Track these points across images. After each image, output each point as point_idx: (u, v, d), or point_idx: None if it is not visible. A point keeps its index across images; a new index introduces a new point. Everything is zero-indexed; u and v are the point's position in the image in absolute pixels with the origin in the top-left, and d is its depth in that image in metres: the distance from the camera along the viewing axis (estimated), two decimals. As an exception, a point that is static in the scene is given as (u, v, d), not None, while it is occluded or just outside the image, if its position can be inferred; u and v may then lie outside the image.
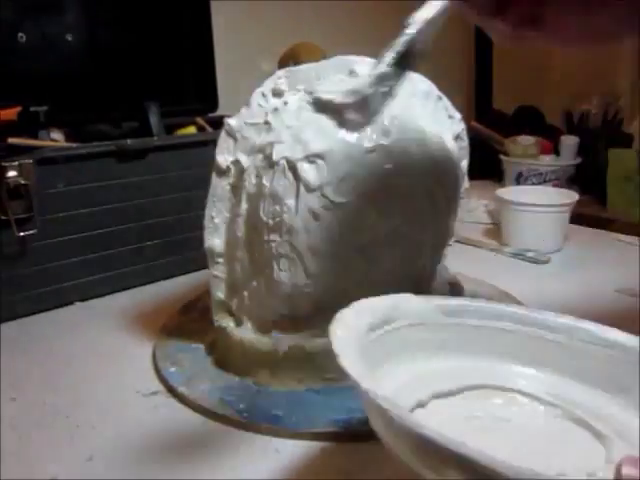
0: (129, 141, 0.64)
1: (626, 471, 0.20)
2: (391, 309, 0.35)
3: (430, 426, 0.21)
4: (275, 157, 0.44)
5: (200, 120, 0.82)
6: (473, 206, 0.92)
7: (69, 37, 0.78)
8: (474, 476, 0.20)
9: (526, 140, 1.07)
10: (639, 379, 0.32)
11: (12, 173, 0.56)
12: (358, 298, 0.44)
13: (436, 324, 0.37)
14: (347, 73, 0.46)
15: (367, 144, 0.43)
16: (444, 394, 0.34)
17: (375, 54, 0.47)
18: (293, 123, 0.44)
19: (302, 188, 0.43)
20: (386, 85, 0.40)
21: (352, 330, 0.31)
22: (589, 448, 0.31)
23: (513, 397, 0.35)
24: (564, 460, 0.30)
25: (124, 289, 0.67)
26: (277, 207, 0.43)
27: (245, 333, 0.46)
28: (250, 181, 0.45)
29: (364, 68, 0.46)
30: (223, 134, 0.47)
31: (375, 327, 0.34)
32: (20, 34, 0.73)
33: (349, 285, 0.44)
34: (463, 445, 0.20)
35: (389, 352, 0.34)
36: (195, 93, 0.91)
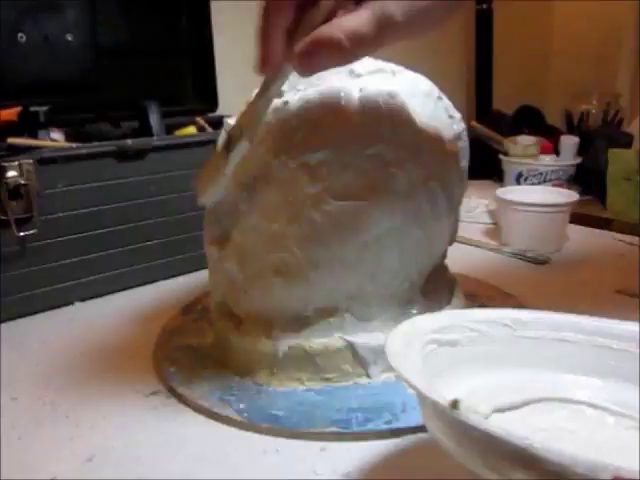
0: (129, 141, 0.64)
1: None
2: (447, 322, 0.35)
3: (495, 424, 0.21)
4: (275, 157, 0.43)
5: (200, 120, 0.82)
6: (473, 206, 0.92)
7: (69, 37, 0.78)
8: (542, 476, 0.20)
9: (526, 140, 1.07)
10: None
11: (12, 173, 0.56)
12: (358, 298, 0.45)
13: (494, 337, 0.36)
14: (347, 73, 0.46)
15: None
16: (506, 408, 0.33)
17: (375, 54, 0.47)
18: (293, 123, 0.44)
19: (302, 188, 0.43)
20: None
21: (409, 343, 0.31)
22: None
23: (579, 409, 0.34)
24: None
25: (124, 289, 0.67)
26: (277, 207, 0.43)
27: (245, 333, 0.46)
28: (250, 181, 0.45)
29: (364, 68, 0.46)
30: (223, 134, 0.47)
31: (431, 341, 0.33)
32: (20, 34, 0.73)
33: (349, 285, 0.44)
34: (530, 442, 0.20)
35: (446, 366, 0.34)
36: (195, 93, 0.91)
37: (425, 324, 0.35)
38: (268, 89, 0.39)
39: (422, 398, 0.26)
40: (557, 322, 0.36)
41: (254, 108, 0.40)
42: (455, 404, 0.23)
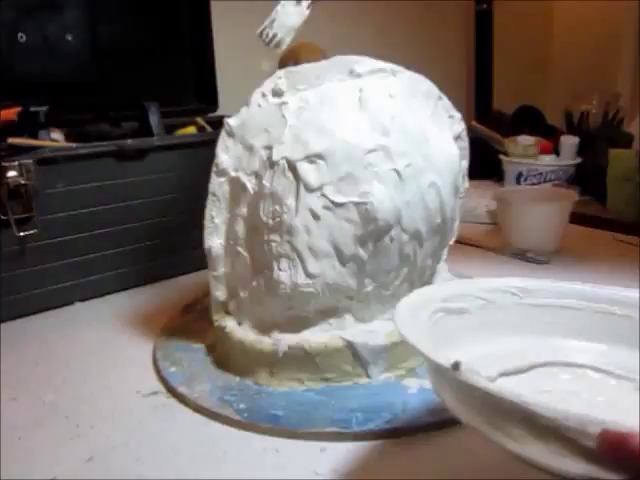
0: (129, 141, 0.64)
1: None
2: (456, 291, 0.36)
3: (497, 384, 0.22)
4: (275, 157, 0.44)
5: (200, 120, 0.82)
6: (473, 206, 0.92)
7: (69, 37, 0.78)
8: (536, 430, 0.21)
9: (526, 140, 1.07)
10: None
11: (12, 173, 0.56)
12: (358, 298, 0.45)
13: (501, 305, 0.37)
14: (347, 73, 0.46)
15: (367, 144, 0.43)
16: (511, 372, 0.34)
17: (375, 54, 0.47)
18: (293, 123, 0.44)
19: (302, 188, 0.43)
20: None
21: (417, 311, 0.32)
22: None
23: (583, 372, 0.35)
24: None
25: (124, 289, 0.67)
26: (277, 207, 0.43)
27: (245, 333, 0.46)
28: (250, 181, 0.45)
29: (364, 68, 0.46)
30: (223, 134, 0.47)
31: (440, 309, 0.34)
32: (20, 34, 0.73)
33: (349, 285, 0.44)
34: (524, 399, 0.21)
35: (454, 333, 0.35)
36: (195, 93, 0.91)
37: (434, 293, 0.36)
38: None
39: (428, 361, 0.27)
40: (562, 290, 0.38)
41: None
42: (456, 366, 0.24)
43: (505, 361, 0.35)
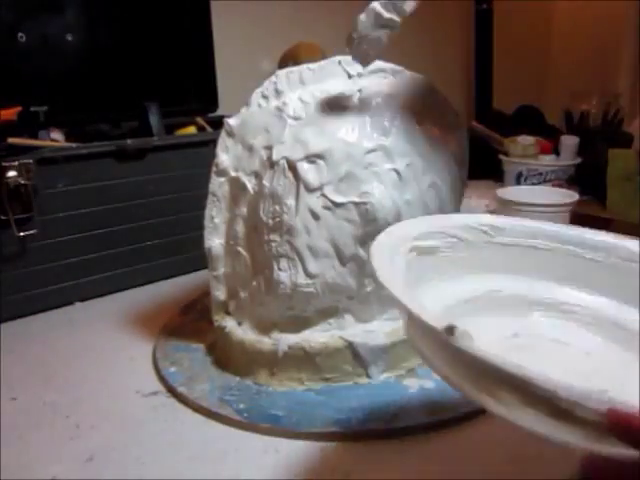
0: (129, 141, 0.64)
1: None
2: (426, 228, 0.36)
3: (485, 349, 0.21)
4: (275, 157, 0.44)
5: (200, 120, 0.82)
6: (473, 206, 0.92)
7: (69, 37, 0.78)
8: (534, 400, 0.20)
9: (526, 140, 1.07)
10: None
11: (12, 173, 0.56)
12: (358, 298, 0.45)
13: (472, 243, 0.37)
14: (347, 73, 0.46)
15: (367, 144, 0.43)
16: (484, 313, 0.34)
17: (375, 54, 0.47)
18: (293, 123, 0.44)
19: (302, 188, 0.43)
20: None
21: (393, 255, 0.31)
22: (630, 367, 0.31)
23: (553, 314, 0.35)
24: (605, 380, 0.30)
25: (124, 289, 0.67)
26: (277, 207, 0.43)
27: (245, 333, 0.46)
28: (250, 181, 0.45)
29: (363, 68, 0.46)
30: (223, 134, 0.47)
31: (413, 249, 0.34)
32: (20, 34, 0.73)
33: (349, 285, 0.44)
34: (526, 371, 0.20)
35: (427, 273, 0.34)
36: (195, 93, 0.91)
37: (405, 231, 0.35)
38: None
39: (413, 319, 0.25)
40: (533, 230, 0.37)
41: None
42: (451, 330, 0.23)
43: (477, 301, 0.35)
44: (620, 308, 0.34)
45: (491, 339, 0.31)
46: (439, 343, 0.24)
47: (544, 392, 0.20)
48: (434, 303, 0.33)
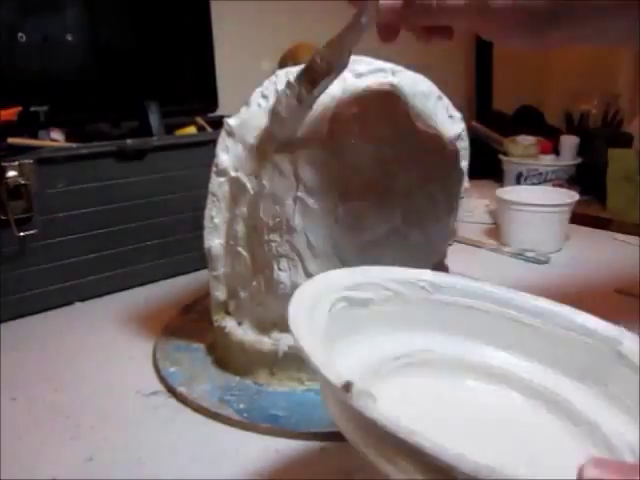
0: (129, 141, 0.64)
1: (590, 474, 0.19)
2: (362, 279, 0.34)
3: (386, 414, 0.20)
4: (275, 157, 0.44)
5: (200, 120, 0.82)
6: (473, 206, 0.92)
7: (69, 37, 0.78)
8: (430, 470, 0.19)
9: (526, 140, 1.07)
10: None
11: (12, 173, 0.56)
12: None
13: (408, 298, 0.36)
14: (347, 73, 0.46)
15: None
16: (415, 367, 0.34)
17: (374, 54, 0.47)
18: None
19: (302, 188, 0.43)
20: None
21: (317, 302, 0.30)
22: (561, 439, 0.30)
23: (481, 378, 0.35)
24: (536, 450, 0.29)
25: (124, 289, 0.67)
26: (277, 207, 0.43)
27: (245, 333, 0.46)
28: (250, 181, 0.45)
29: (364, 67, 0.46)
30: (223, 134, 0.47)
31: (343, 299, 0.33)
32: (20, 34, 0.73)
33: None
34: (419, 438, 0.19)
35: (354, 325, 0.33)
36: (195, 93, 0.91)
37: (339, 280, 0.33)
38: (357, 23, 0.37)
39: (318, 373, 0.24)
40: (472, 290, 0.36)
41: (342, 43, 0.39)
42: (347, 387, 0.21)
43: (408, 359, 0.34)
44: (555, 377, 0.34)
45: (413, 399, 0.31)
46: (340, 401, 0.22)
47: (435, 461, 0.19)
48: (360, 358, 0.32)
